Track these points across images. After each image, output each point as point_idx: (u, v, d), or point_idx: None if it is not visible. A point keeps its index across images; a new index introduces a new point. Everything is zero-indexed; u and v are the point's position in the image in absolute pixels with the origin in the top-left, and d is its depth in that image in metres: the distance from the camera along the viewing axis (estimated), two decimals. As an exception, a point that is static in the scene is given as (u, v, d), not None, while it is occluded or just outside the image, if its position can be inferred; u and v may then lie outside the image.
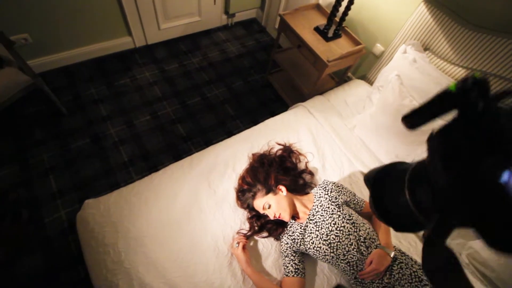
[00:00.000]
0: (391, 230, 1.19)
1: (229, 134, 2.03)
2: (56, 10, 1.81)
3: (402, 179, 0.40)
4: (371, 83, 1.92)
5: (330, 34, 1.77)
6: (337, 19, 1.76)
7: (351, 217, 1.08)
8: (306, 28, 1.81)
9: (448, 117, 0.32)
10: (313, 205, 1.15)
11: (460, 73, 1.41)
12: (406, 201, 0.38)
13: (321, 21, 1.88)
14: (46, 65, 2.05)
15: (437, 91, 0.31)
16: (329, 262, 1.06)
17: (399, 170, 0.42)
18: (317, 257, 1.08)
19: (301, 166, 1.38)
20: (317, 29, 1.80)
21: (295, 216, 1.17)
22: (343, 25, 1.79)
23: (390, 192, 0.43)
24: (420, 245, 1.26)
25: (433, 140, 0.33)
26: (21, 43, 1.81)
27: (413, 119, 0.36)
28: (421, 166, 0.39)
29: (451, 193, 0.31)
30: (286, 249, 1.10)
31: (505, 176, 0.25)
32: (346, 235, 1.04)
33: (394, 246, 1.07)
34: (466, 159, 0.28)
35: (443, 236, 0.35)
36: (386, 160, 1.48)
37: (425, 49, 1.53)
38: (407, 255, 1.06)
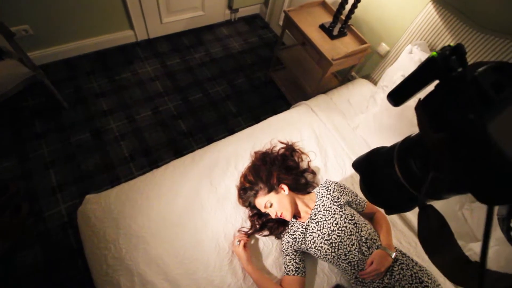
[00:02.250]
0: (391, 231, 1.19)
1: (231, 131, 2.02)
2: (56, 1, 1.78)
3: (390, 157, 0.42)
4: (375, 82, 1.91)
5: (336, 32, 1.75)
6: (343, 17, 1.74)
7: (353, 217, 1.08)
8: (311, 26, 1.79)
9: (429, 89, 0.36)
10: (315, 205, 1.15)
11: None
12: (397, 176, 0.41)
13: (327, 19, 1.86)
14: (47, 57, 2.03)
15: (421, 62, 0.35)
16: (330, 261, 1.06)
17: (385, 151, 0.46)
18: (318, 257, 1.08)
19: (303, 165, 1.37)
20: (322, 26, 1.78)
21: (296, 215, 1.17)
22: (349, 23, 1.77)
23: (380, 172, 0.46)
24: (420, 246, 1.26)
25: (420, 107, 0.36)
26: (21, 34, 1.78)
27: (399, 93, 0.39)
28: (407, 141, 0.42)
29: (441, 150, 0.33)
30: (287, 248, 1.10)
31: (489, 128, 0.28)
32: (348, 235, 1.03)
33: (395, 247, 1.07)
34: (451, 118, 0.32)
35: (435, 195, 0.37)
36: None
37: (432, 49, 1.52)
38: (408, 256, 1.07)
